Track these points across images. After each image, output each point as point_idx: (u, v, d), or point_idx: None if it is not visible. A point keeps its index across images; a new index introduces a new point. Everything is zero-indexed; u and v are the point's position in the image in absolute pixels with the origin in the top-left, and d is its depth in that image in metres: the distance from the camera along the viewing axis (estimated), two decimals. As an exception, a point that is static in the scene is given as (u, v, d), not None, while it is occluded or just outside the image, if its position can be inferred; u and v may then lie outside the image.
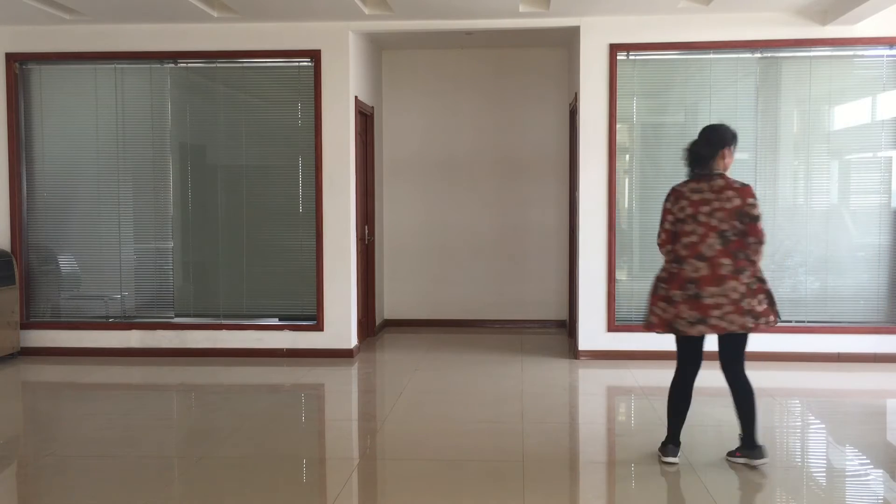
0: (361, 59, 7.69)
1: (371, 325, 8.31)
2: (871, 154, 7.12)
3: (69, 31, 7.25)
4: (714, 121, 7.03)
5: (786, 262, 7.16)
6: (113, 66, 7.37)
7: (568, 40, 8.02)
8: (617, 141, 7.07)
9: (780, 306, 6.95)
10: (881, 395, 6.13)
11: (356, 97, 7.39)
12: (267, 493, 4.05)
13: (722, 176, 4.30)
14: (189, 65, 7.43)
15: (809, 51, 6.98)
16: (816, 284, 7.11)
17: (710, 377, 6.58)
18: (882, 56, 6.95)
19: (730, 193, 4.22)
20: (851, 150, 7.20)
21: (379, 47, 8.58)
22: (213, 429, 5.25)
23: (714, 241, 4.20)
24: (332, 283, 7.27)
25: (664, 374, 6.63)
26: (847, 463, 4.63)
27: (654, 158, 7.24)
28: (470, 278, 8.84)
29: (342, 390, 6.56)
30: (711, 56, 7.05)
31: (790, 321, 7.08)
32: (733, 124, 6.98)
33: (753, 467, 4.35)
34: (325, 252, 7.27)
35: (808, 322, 7.05)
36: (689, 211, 4.25)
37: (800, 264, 7.14)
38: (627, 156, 7.24)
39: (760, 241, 4.20)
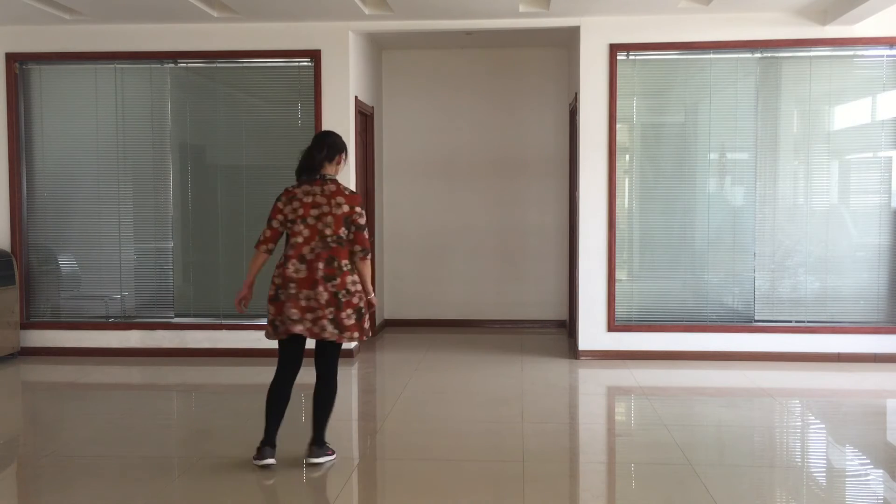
0: (361, 59, 7.69)
1: (371, 325, 8.30)
2: (871, 154, 7.12)
3: (69, 31, 7.24)
4: (714, 121, 7.13)
5: (786, 262, 7.16)
6: (113, 66, 7.37)
7: (568, 40, 8.02)
8: (617, 141, 7.07)
9: (771, 306, 7.14)
10: (881, 395, 6.13)
11: (356, 97, 7.39)
12: (267, 494, 4.05)
13: (334, 181, 4.38)
14: (189, 65, 7.43)
15: (809, 51, 6.98)
16: (816, 284, 7.11)
17: (709, 377, 6.62)
18: (882, 56, 6.95)
19: (340, 199, 4.29)
20: (851, 150, 7.20)
21: (379, 47, 8.58)
22: (213, 429, 5.25)
23: (316, 245, 4.26)
24: (332, 283, 7.26)
25: (664, 374, 6.67)
26: (847, 463, 4.63)
27: (654, 158, 7.24)
28: (470, 278, 8.83)
29: (342, 390, 6.48)
30: (711, 56, 7.05)
31: (790, 321, 7.09)
32: (733, 124, 7.17)
33: (314, 464, 4.41)
34: (325, 252, 7.25)
35: (808, 322, 7.05)
36: (301, 212, 4.29)
37: (800, 264, 7.14)
38: (627, 156, 7.24)
39: (366, 251, 4.31)
